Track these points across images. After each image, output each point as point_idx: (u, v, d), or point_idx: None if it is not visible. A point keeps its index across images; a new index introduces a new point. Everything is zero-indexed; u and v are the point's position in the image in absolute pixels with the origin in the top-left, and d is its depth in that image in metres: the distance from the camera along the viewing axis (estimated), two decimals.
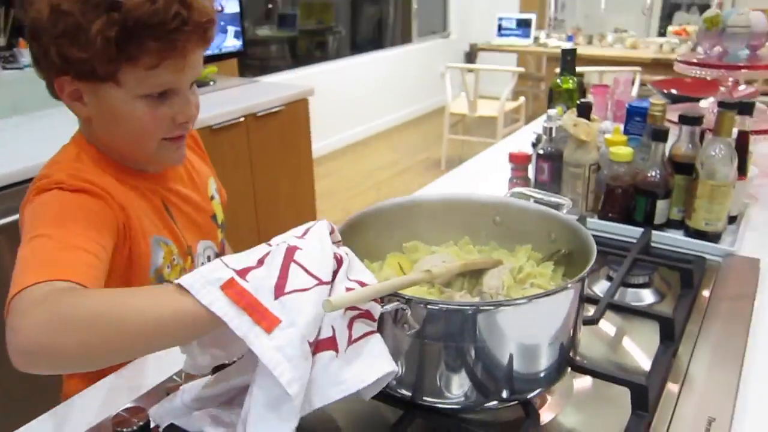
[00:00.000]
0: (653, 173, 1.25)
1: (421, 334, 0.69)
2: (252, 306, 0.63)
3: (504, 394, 0.73)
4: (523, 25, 5.13)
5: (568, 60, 1.47)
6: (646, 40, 4.85)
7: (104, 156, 0.97)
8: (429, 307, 0.69)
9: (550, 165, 1.34)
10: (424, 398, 0.74)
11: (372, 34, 6.50)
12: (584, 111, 1.30)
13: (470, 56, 6.98)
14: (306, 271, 0.66)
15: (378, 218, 0.92)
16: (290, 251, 0.67)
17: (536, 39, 5.20)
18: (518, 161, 1.40)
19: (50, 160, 0.96)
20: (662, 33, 5.97)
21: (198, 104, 0.98)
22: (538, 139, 1.49)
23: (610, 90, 1.96)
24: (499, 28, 5.26)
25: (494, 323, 0.69)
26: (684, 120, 1.25)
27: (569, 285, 0.73)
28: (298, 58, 5.53)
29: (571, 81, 1.49)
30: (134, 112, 0.90)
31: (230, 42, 3.10)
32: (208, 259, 1.12)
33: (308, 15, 5.62)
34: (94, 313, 0.65)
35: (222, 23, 2.99)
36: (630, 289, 1.10)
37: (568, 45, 5.09)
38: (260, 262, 0.66)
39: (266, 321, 0.62)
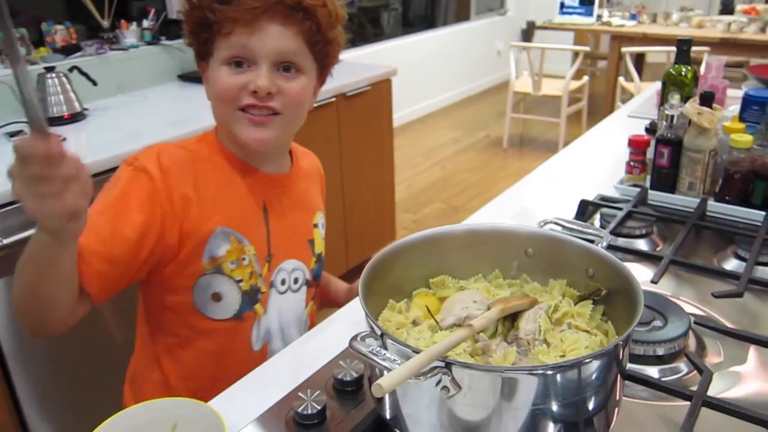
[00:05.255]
0: None
1: (465, 397, 0.64)
2: None
3: None
4: (586, 3, 5.13)
5: (684, 50, 1.55)
6: (713, 19, 4.80)
7: (220, 145, 1.03)
8: (471, 370, 0.64)
9: (670, 150, 1.43)
10: None
11: (425, 11, 6.54)
12: (707, 100, 1.38)
13: (527, 34, 6.99)
14: None
15: (403, 254, 0.87)
16: None
17: (599, 17, 5.19)
18: (638, 146, 1.49)
19: None
20: (726, 11, 5.89)
21: (291, 92, 0.98)
22: (653, 126, 1.58)
23: (703, 75, 2.03)
24: (561, 6, 5.27)
25: (535, 384, 0.65)
26: None
27: (618, 342, 0.68)
28: (356, 36, 5.61)
29: (684, 69, 1.57)
30: (215, 79, 0.96)
31: None
32: (295, 281, 1.11)
33: None
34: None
35: None
36: (759, 267, 1.20)
37: (632, 23, 5.08)
38: None
39: None
